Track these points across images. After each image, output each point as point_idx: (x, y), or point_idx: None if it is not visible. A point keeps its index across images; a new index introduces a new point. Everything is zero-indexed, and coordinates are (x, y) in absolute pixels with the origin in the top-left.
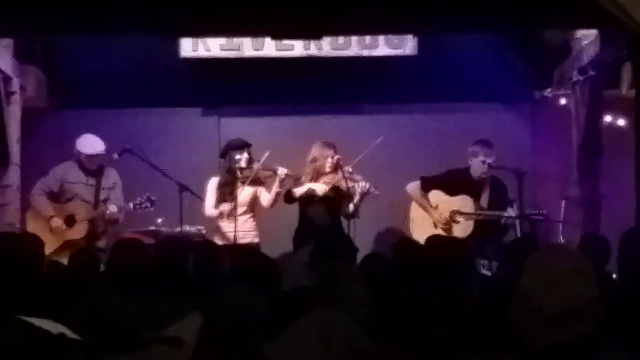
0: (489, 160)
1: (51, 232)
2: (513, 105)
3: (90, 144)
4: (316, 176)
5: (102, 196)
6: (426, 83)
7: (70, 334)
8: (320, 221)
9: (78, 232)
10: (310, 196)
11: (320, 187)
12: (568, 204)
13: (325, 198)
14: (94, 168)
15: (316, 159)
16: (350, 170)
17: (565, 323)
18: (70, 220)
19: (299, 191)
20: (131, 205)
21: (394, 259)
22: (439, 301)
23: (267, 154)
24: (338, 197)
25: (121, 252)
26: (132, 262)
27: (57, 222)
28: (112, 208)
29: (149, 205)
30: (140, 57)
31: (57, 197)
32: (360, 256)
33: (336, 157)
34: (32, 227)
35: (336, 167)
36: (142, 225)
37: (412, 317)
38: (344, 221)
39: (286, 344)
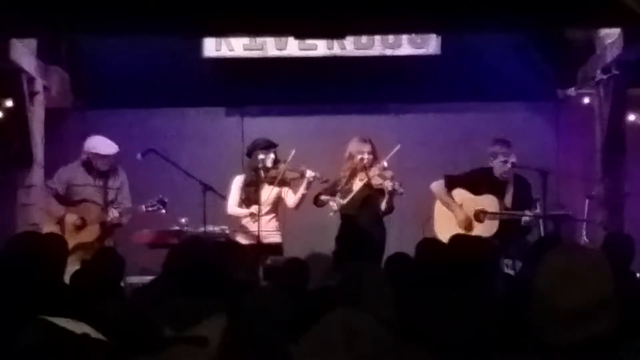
0: (509, 160)
1: (63, 235)
2: (537, 105)
3: (105, 144)
4: (354, 173)
5: (110, 197)
6: (449, 82)
7: (94, 333)
8: (360, 219)
9: (90, 234)
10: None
11: (337, 201)
12: (592, 203)
13: (361, 195)
14: (105, 169)
15: (353, 155)
16: (386, 165)
17: (582, 319)
18: (81, 223)
19: (326, 200)
20: (143, 207)
21: (418, 259)
22: (463, 301)
23: (293, 152)
24: (371, 194)
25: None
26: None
27: (73, 216)
28: (114, 213)
29: (161, 207)
30: (163, 57)
31: (64, 199)
32: (384, 256)
33: (368, 156)
34: (44, 230)
35: (374, 162)
36: (166, 225)
37: (436, 317)
38: (372, 221)
39: (308, 343)
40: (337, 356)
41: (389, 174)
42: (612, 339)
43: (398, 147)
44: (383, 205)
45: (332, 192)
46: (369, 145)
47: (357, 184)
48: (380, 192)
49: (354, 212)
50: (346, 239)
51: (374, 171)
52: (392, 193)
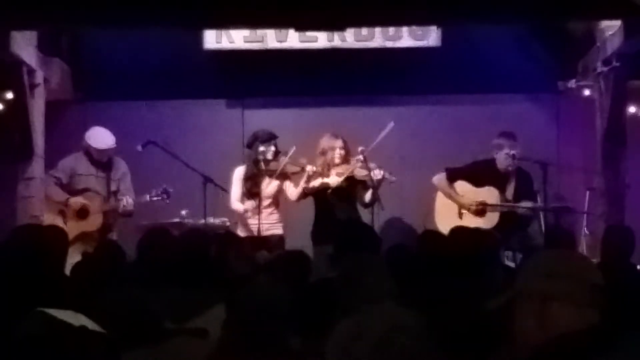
0: (513, 152)
1: (66, 224)
2: (537, 97)
3: (101, 138)
4: (328, 168)
5: (112, 187)
6: (450, 74)
7: (92, 326)
8: (337, 213)
9: (93, 224)
10: (324, 189)
11: (334, 180)
12: (592, 194)
13: (339, 189)
14: (104, 161)
15: (325, 151)
16: (363, 158)
17: (567, 311)
18: (84, 212)
19: (312, 187)
20: (147, 197)
21: (419, 251)
22: (463, 292)
23: (293, 149)
24: (352, 186)
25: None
26: (157, 254)
27: (76, 204)
28: (129, 200)
29: (165, 197)
30: (163, 49)
31: (68, 189)
32: (384, 248)
33: (340, 152)
34: (46, 219)
35: (346, 158)
36: (166, 217)
37: (436, 309)
38: (366, 212)
39: (343, 335)
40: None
41: (372, 165)
42: (606, 332)
43: (392, 124)
44: (368, 197)
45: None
46: (340, 140)
47: (334, 178)
48: (362, 184)
49: (332, 205)
50: (345, 231)
51: (354, 163)
52: (380, 183)
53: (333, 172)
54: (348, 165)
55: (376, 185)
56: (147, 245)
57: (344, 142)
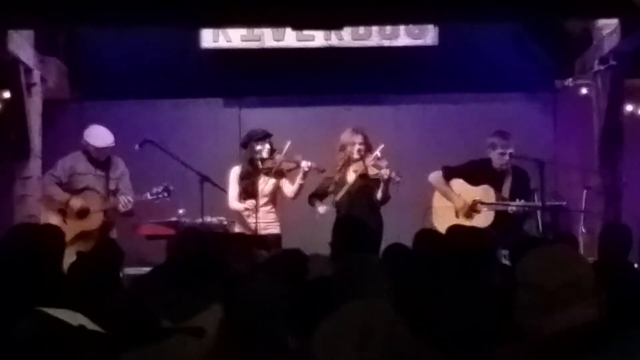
0: (507, 151)
1: (65, 223)
2: (534, 95)
3: (101, 136)
4: (347, 164)
5: (111, 186)
6: (447, 73)
7: (90, 325)
8: (356, 212)
9: (93, 223)
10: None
11: (332, 208)
12: (589, 193)
13: (357, 188)
14: (102, 159)
15: (345, 146)
16: (379, 155)
17: (561, 304)
18: (84, 211)
19: (322, 208)
20: (148, 195)
21: (415, 249)
22: (460, 291)
23: (288, 144)
24: (367, 185)
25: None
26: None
27: (76, 203)
28: (129, 198)
29: (166, 194)
30: (161, 48)
31: (67, 188)
32: (382, 246)
33: (360, 147)
34: (45, 218)
35: (366, 154)
36: (163, 216)
37: (433, 308)
38: (368, 211)
39: (322, 337)
40: (349, 353)
41: (384, 163)
42: (599, 331)
43: (382, 146)
44: (379, 195)
45: (324, 191)
46: (360, 136)
47: (351, 175)
48: (376, 181)
49: (349, 203)
50: (343, 230)
51: (368, 161)
52: (389, 181)
53: (351, 169)
54: (363, 163)
55: (385, 184)
56: (181, 247)
57: (365, 137)
